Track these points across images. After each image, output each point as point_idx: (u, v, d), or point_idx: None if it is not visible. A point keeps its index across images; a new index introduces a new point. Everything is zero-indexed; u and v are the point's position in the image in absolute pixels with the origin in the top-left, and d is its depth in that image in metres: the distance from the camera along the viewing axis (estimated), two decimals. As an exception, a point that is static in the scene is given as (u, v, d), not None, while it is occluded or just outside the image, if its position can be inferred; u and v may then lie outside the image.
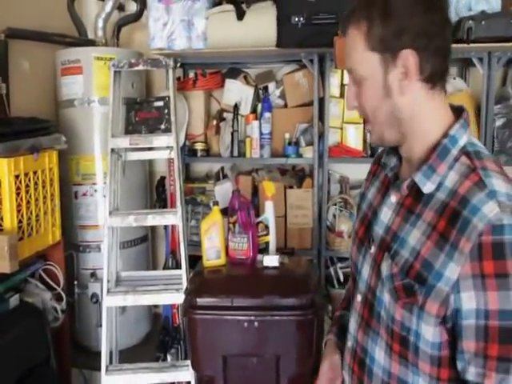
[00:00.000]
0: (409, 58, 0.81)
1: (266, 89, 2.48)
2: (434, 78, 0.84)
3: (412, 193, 0.87)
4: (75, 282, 2.43)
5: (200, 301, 1.67)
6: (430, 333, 0.81)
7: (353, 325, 1.01)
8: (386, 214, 0.93)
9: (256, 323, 1.63)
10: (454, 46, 2.12)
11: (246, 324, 1.64)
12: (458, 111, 0.89)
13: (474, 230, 0.74)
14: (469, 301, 0.75)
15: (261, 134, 2.38)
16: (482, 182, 0.77)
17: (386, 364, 0.90)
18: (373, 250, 0.95)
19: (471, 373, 0.78)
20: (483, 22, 1.98)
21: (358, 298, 0.99)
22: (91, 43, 2.51)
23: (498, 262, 0.73)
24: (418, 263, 0.81)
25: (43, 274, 2.15)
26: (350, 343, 1.02)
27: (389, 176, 0.98)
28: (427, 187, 0.84)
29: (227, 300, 1.65)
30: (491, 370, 0.75)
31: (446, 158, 0.83)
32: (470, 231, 0.75)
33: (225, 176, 2.58)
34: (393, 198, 0.92)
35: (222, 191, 2.37)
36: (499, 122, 2.32)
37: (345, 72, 2.25)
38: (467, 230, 0.75)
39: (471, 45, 2.06)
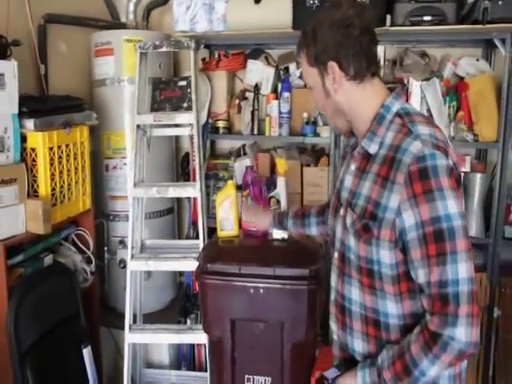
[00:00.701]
0: (333, 67, 1.09)
1: (286, 69, 2.55)
2: (360, 75, 1.11)
3: (365, 157, 1.12)
4: (105, 248, 2.63)
5: (210, 266, 1.78)
6: (387, 256, 1.05)
7: (334, 278, 1.23)
8: (348, 180, 1.18)
9: (261, 290, 1.73)
10: (472, 27, 2.12)
11: (251, 290, 1.74)
12: (391, 88, 1.15)
13: (404, 164, 0.99)
14: (408, 218, 0.99)
15: (280, 113, 2.47)
16: (410, 131, 1.03)
17: (361, 299, 1.13)
18: (341, 211, 1.19)
19: (420, 275, 1.00)
20: (500, 2, 1.96)
21: (336, 255, 1.21)
22: (122, 26, 2.65)
23: (424, 182, 0.98)
24: (371, 205, 1.06)
25: (75, 239, 2.35)
26: (332, 296, 1.24)
27: (349, 151, 1.24)
28: (372, 148, 1.09)
29: (235, 267, 1.76)
30: (433, 265, 0.98)
31: (383, 122, 1.09)
32: (402, 166, 0.99)
33: (246, 153, 2.69)
34: (352, 167, 1.17)
35: (242, 167, 2.48)
36: (521, 105, 2.28)
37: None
38: (400, 166, 1.00)
39: (493, 25, 2.04)
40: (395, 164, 1.01)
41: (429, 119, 1.11)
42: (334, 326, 1.25)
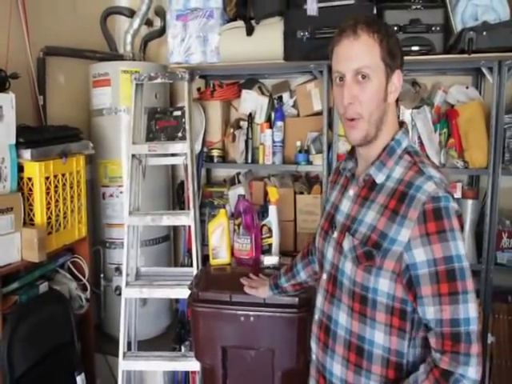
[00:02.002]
0: (399, 76, 1.09)
1: (280, 98, 2.60)
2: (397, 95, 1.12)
3: (367, 184, 1.13)
4: (101, 275, 2.65)
5: (202, 294, 1.80)
6: (386, 286, 1.05)
7: (320, 300, 1.22)
8: (345, 205, 1.18)
9: (252, 318, 1.75)
10: (459, 56, 2.15)
11: (242, 318, 1.75)
12: (401, 122, 1.15)
13: (418, 201, 1.00)
14: (419, 255, 1.00)
15: (273, 141, 2.50)
16: (421, 171, 1.05)
17: (348, 324, 1.12)
18: (335, 234, 1.18)
19: (430, 312, 1.00)
20: (484, 33, 1.99)
21: (324, 276, 1.21)
22: (119, 57, 2.72)
23: (438, 222, 0.99)
24: (375, 234, 1.06)
25: (71, 266, 2.38)
26: (316, 316, 1.24)
27: (347, 176, 1.23)
28: (379, 178, 1.10)
29: (226, 295, 1.78)
30: (445, 304, 0.99)
31: (393, 155, 1.10)
32: (416, 203, 1.00)
33: (240, 181, 2.72)
34: (351, 192, 1.17)
35: (236, 195, 2.50)
36: (510, 132, 2.27)
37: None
38: (414, 203, 1.01)
39: (478, 55, 2.08)
40: (407, 199, 1.02)
41: (432, 161, 1.16)
42: (314, 346, 1.25)
